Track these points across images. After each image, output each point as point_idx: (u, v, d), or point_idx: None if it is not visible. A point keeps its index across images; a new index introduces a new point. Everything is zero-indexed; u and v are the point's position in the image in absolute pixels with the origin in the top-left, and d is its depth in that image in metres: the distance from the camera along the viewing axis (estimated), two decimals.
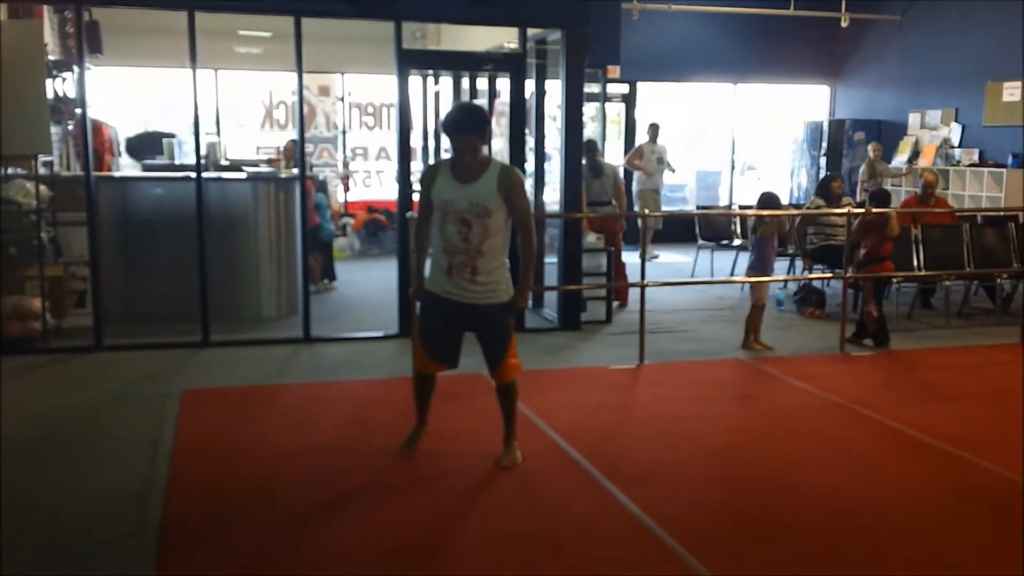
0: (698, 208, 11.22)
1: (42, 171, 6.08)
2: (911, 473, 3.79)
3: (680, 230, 10.47)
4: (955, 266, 7.08)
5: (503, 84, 7.03)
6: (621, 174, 8.51)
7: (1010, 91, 9.87)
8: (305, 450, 3.95)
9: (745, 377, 5.44)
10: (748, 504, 3.43)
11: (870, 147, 10.49)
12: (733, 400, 4.94)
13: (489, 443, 3.85)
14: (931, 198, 7.87)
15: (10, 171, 6.02)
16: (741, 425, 4.45)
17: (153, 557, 2.91)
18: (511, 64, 6.51)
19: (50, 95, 5.92)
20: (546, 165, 6.83)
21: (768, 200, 6.08)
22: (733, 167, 12.40)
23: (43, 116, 5.61)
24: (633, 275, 6.80)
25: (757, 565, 2.95)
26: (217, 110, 10.40)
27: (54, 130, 6.22)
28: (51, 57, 6.24)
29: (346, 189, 11.03)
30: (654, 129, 10.57)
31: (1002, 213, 7.99)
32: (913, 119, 11.24)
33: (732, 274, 8.46)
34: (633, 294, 6.93)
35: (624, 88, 11.32)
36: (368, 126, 11.44)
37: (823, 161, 11.66)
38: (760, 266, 5.96)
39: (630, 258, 7.98)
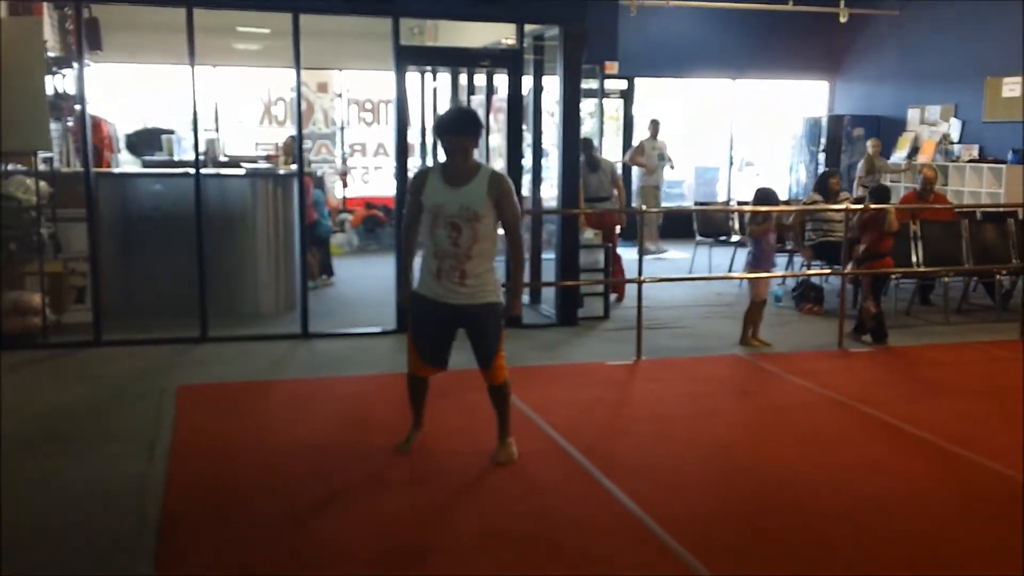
0: (696, 204, 11.23)
1: (42, 167, 6.10)
2: (910, 470, 3.80)
3: (678, 226, 10.48)
4: (954, 262, 7.09)
5: (501, 80, 7.04)
6: (619, 169, 8.52)
7: (1010, 86, 9.86)
8: (302, 446, 3.97)
9: (743, 373, 5.45)
10: (745, 501, 3.43)
11: (869, 143, 10.49)
12: (731, 396, 4.95)
13: (484, 440, 3.86)
14: (930, 194, 7.88)
15: (10, 167, 6.04)
16: (739, 421, 4.47)
17: (151, 554, 2.92)
18: (508, 60, 6.52)
19: (50, 91, 5.94)
20: (543, 161, 6.84)
21: (765, 196, 6.09)
22: (731, 163, 12.40)
23: (42, 112, 5.62)
24: (631, 271, 6.81)
25: (755, 562, 2.95)
26: (216, 106, 10.41)
27: (54, 126, 6.23)
28: (51, 54, 6.25)
29: (344, 185, 11.04)
30: (655, 125, 10.57)
31: (1001, 209, 8.00)
32: (912, 115, 11.24)
33: (730, 270, 8.47)
34: (631, 290, 6.94)
35: (622, 84, 11.32)
36: (366, 122, 11.45)
37: (822, 157, 11.66)
38: (758, 262, 5.97)
39: (629, 254, 8.01)
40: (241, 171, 7.03)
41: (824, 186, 7.29)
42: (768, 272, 6.05)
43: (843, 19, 10.58)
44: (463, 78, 7.67)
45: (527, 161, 6.81)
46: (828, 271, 7.10)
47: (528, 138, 6.78)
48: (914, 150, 11.10)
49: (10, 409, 4.44)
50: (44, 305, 5.79)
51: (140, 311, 6.30)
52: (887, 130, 11.42)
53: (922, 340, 6.30)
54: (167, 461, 3.71)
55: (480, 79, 7.59)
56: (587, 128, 10.10)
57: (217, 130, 10.23)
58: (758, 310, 6.01)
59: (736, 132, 12.29)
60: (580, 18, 6.31)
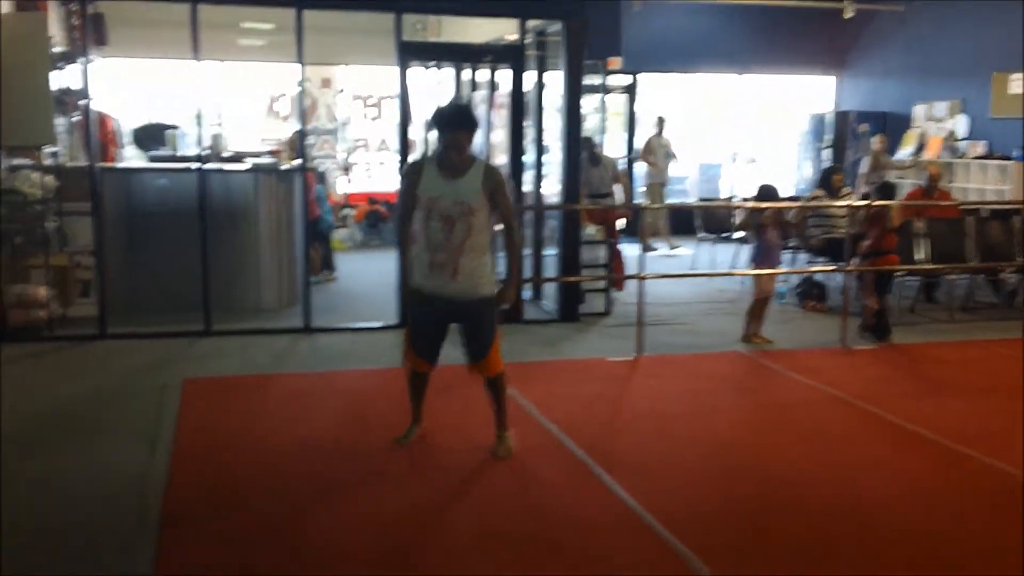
0: (699, 200, 11.20)
1: (48, 162, 6.14)
2: (913, 468, 3.79)
3: (681, 223, 10.46)
4: (959, 260, 7.06)
5: (503, 76, 7.04)
6: (621, 165, 8.51)
7: (1017, 82, 9.80)
8: (303, 439, 3.99)
9: (745, 370, 5.45)
10: (747, 499, 3.42)
11: (874, 139, 10.45)
12: (733, 393, 4.95)
13: (484, 436, 3.87)
14: (935, 191, 7.84)
15: (16, 162, 6.08)
16: (740, 419, 4.46)
17: (153, 546, 2.95)
18: (511, 56, 6.52)
19: (55, 87, 5.97)
20: (545, 157, 6.84)
21: (767, 192, 6.08)
22: (735, 159, 12.36)
23: (47, 107, 5.67)
24: (632, 267, 6.80)
25: (756, 560, 2.94)
26: (220, 102, 10.42)
27: (59, 121, 6.27)
28: (56, 49, 6.28)
29: (347, 181, 11.06)
30: (660, 122, 10.53)
31: (1007, 206, 7.95)
32: (918, 111, 11.18)
33: (733, 267, 8.45)
34: (630, 284, 6.94)
35: (626, 80, 11.28)
36: (369, 118, 11.46)
37: (827, 153, 11.61)
38: (762, 258, 5.96)
39: (633, 250, 8.00)
40: (244, 166, 7.06)
41: (827, 183, 7.27)
42: (772, 268, 6.04)
43: (849, 14, 10.53)
44: (466, 74, 7.67)
45: (529, 157, 6.81)
46: (831, 268, 7.09)
47: (530, 134, 6.78)
48: (920, 147, 11.04)
49: (15, 400, 4.49)
50: (50, 298, 5.83)
51: (144, 305, 6.34)
52: (893, 126, 11.36)
53: (926, 338, 6.28)
54: (170, 453, 3.73)
55: (483, 75, 7.59)
56: (591, 124, 10.08)
57: (221, 125, 10.25)
58: (761, 306, 6.00)
59: (740, 128, 12.25)
60: (582, 13, 6.30)
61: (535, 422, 4.23)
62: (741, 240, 8.59)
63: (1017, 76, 9.77)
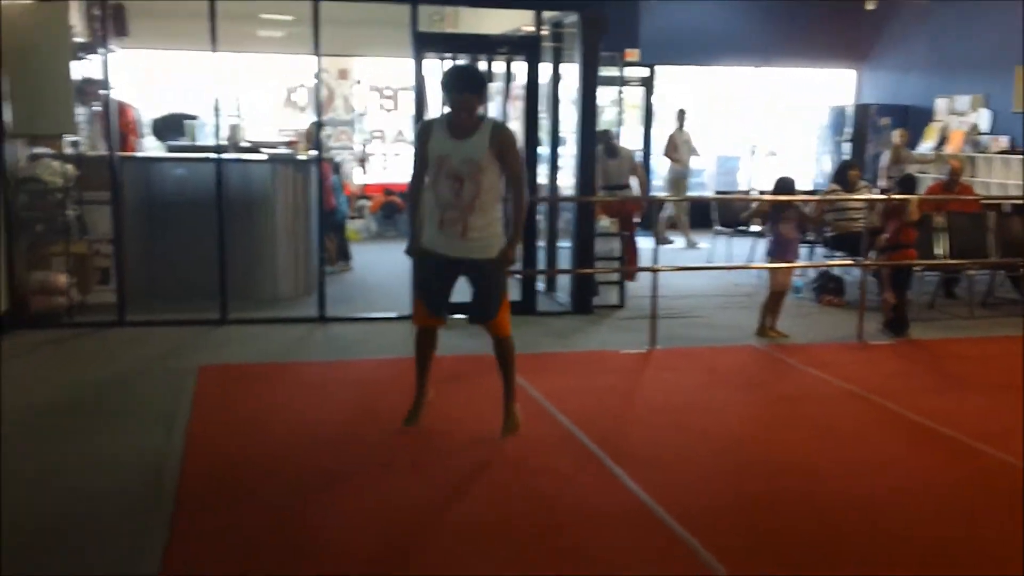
0: (716, 193, 11.14)
1: (68, 151, 6.21)
2: (927, 464, 3.75)
3: (697, 216, 10.40)
4: (980, 255, 6.97)
5: (519, 68, 7.03)
6: (638, 157, 8.47)
7: None
8: (314, 426, 4.02)
9: (759, 364, 5.42)
10: (759, 494, 3.39)
11: (895, 133, 10.32)
12: (746, 387, 4.91)
13: (494, 426, 3.87)
14: (956, 185, 7.74)
15: (37, 150, 6.16)
16: (754, 413, 4.44)
17: (167, 524, 2.99)
18: (527, 47, 6.51)
19: (76, 77, 6.04)
20: (561, 149, 6.82)
21: (784, 185, 6.03)
22: (754, 152, 12.26)
23: (68, 97, 5.74)
24: (646, 260, 6.78)
25: (767, 555, 2.92)
26: (238, 93, 10.49)
27: (80, 111, 6.34)
28: (77, 39, 6.35)
29: (363, 172, 11.10)
30: (682, 115, 10.41)
31: None
32: (941, 104, 11.03)
33: (750, 260, 8.40)
34: (645, 279, 6.92)
35: (643, 72, 11.22)
36: (386, 109, 11.49)
37: (847, 147, 11.49)
38: (779, 252, 5.92)
39: (648, 243, 7.97)
40: (262, 156, 7.11)
41: (843, 177, 7.20)
42: (789, 262, 6.00)
43: (870, 7, 10.40)
44: (481, 65, 7.65)
45: (544, 149, 6.80)
46: (849, 262, 7.02)
47: (546, 126, 6.76)
48: (942, 140, 10.90)
49: (35, 385, 4.57)
50: (70, 286, 5.92)
51: (162, 293, 6.41)
52: (915, 120, 11.22)
53: (945, 334, 6.21)
54: (184, 441, 3.77)
55: (498, 66, 7.57)
56: (608, 117, 10.03)
57: (239, 116, 10.32)
58: (777, 300, 5.96)
59: (759, 121, 12.14)
60: (599, 5, 6.27)
61: (547, 414, 4.23)
62: (758, 234, 8.54)
63: None
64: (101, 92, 6.22)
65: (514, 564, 2.83)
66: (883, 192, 6.84)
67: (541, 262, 6.89)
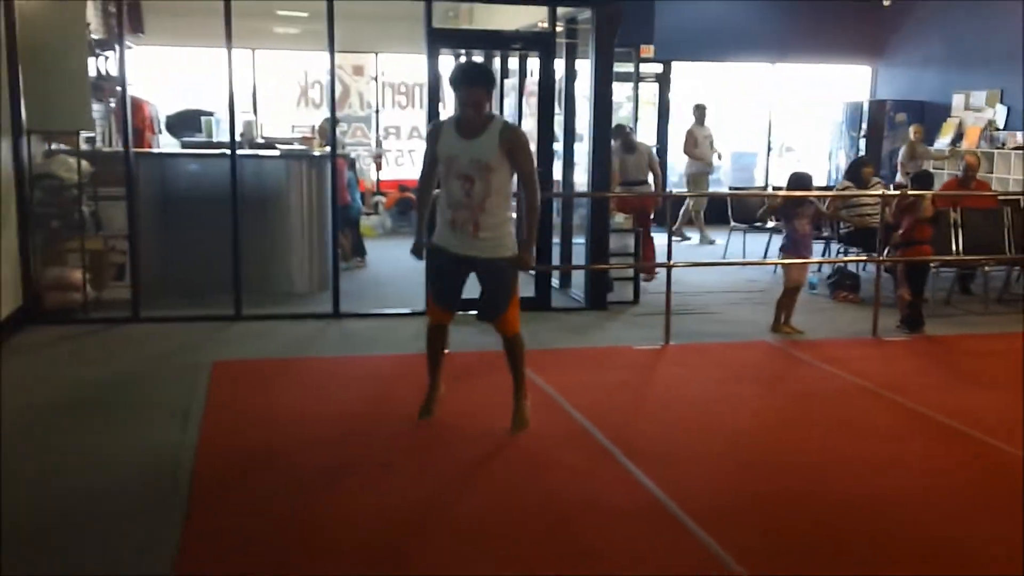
0: (731, 189, 11.08)
1: (84, 147, 6.26)
2: (940, 460, 3.73)
3: (713, 212, 10.35)
4: (995, 251, 6.91)
5: (534, 64, 7.02)
6: (655, 153, 8.44)
7: None
8: (327, 421, 4.03)
9: (773, 360, 5.39)
10: (773, 491, 3.38)
11: (911, 129, 10.24)
12: (760, 383, 4.89)
13: (505, 421, 3.87)
14: (972, 181, 7.67)
15: (53, 146, 6.21)
16: (768, 409, 4.42)
17: (182, 516, 3.02)
18: (541, 43, 6.49)
19: (93, 73, 6.08)
20: (576, 145, 6.81)
21: (799, 181, 5.98)
22: (770, 148, 12.19)
23: (84, 93, 5.78)
24: (663, 256, 6.76)
25: (780, 551, 2.91)
26: (254, 89, 10.54)
27: (96, 107, 6.39)
28: (94, 36, 6.40)
29: (378, 168, 11.13)
30: (701, 111, 10.29)
31: None
32: (957, 100, 10.92)
33: (765, 257, 8.36)
34: (662, 275, 6.90)
35: (658, 68, 11.17)
36: (400, 106, 11.51)
37: (863, 143, 11.40)
38: (793, 247, 5.88)
39: (663, 239, 7.93)
40: (276, 153, 7.13)
41: (856, 174, 7.15)
42: (804, 258, 5.96)
43: (887, 2, 10.30)
44: (496, 61, 7.66)
45: (559, 145, 6.79)
46: (864, 258, 6.97)
47: (560, 122, 6.75)
48: (958, 136, 10.79)
49: (51, 380, 4.61)
50: (85, 281, 5.96)
51: (177, 289, 6.45)
52: (931, 116, 11.12)
53: (961, 330, 6.16)
54: (198, 436, 3.79)
55: (513, 62, 7.57)
56: (623, 113, 10.00)
57: (255, 112, 10.38)
58: (791, 296, 5.93)
59: (775, 117, 12.07)
60: (613, 0, 6.25)
61: (561, 409, 4.23)
62: (773, 230, 8.49)
63: None
64: (117, 88, 6.26)
65: (527, 560, 2.82)
66: (895, 187, 6.77)
67: (556, 258, 6.89)
